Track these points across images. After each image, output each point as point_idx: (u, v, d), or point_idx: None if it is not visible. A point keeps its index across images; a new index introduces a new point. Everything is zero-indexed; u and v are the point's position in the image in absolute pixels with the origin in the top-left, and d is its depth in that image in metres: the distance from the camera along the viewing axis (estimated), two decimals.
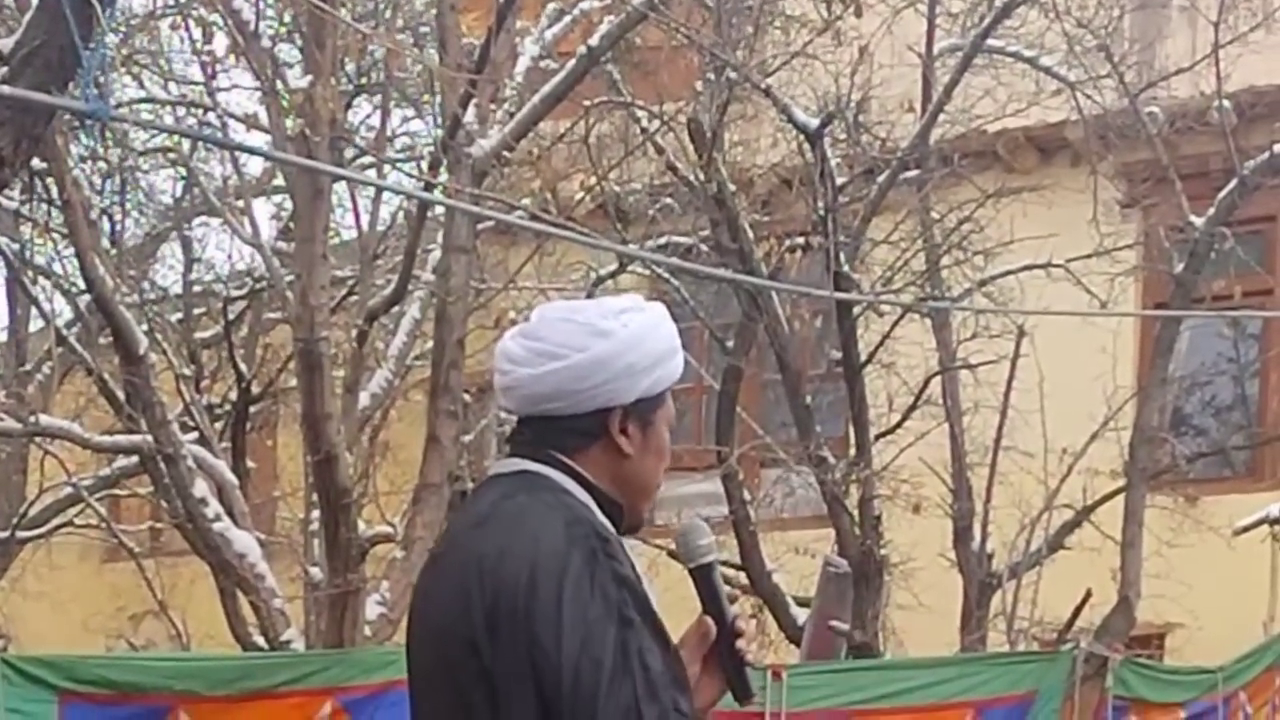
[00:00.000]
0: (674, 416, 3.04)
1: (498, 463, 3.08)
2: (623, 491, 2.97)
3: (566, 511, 2.85)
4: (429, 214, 10.99)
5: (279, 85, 10.60)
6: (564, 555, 2.77)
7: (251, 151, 13.09)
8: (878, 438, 11.30)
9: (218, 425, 12.70)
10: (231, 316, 13.37)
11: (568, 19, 11.43)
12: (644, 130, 12.05)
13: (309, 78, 9.57)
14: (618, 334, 2.94)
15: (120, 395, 10.97)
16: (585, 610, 2.74)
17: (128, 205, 13.32)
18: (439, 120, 11.10)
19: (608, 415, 2.93)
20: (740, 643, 2.96)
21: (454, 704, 2.84)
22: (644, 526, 3.09)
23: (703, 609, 2.98)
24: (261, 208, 14.48)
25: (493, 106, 10.69)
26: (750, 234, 10.96)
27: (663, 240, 12.40)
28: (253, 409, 13.16)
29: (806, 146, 10.78)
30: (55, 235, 12.37)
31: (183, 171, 13.78)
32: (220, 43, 11.57)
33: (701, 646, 2.95)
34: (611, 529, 2.90)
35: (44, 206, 12.17)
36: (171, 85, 13.02)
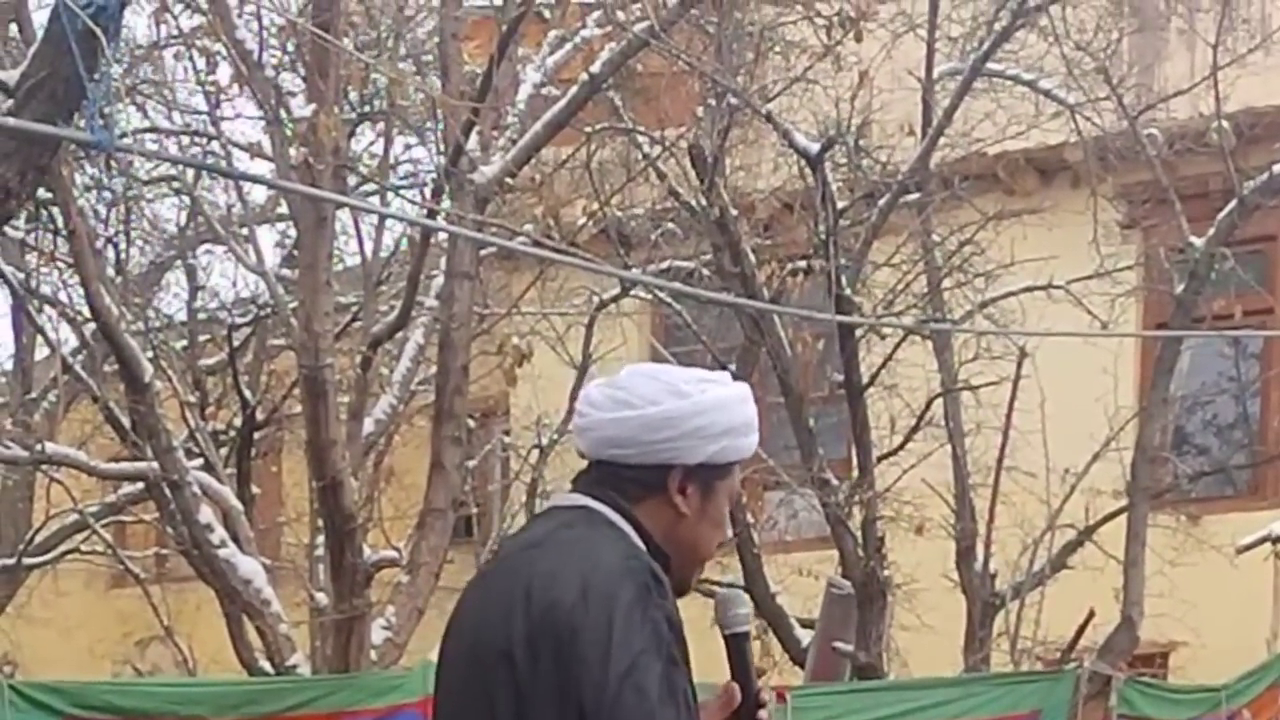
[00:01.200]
0: (738, 493, 3.23)
1: (558, 495, 3.20)
2: (674, 550, 3.08)
3: (627, 545, 2.98)
4: (432, 240, 11.03)
5: (282, 114, 10.66)
6: (618, 583, 2.87)
7: (255, 180, 13.17)
8: (880, 459, 11.32)
9: (223, 451, 12.72)
10: (236, 343, 13.41)
11: (569, 46, 11.49)
12: (646, 156, 12.11)
13: (312, 106, 9.62)
14: (694, 397, 3.08)
15: (126, 422, 11.01)
16: (634, 638, 2.82)
17: (132, 234, 13.37)
18: (442, 147, 11.14)
19: (670, 472, 3.06)
20: (762, 714, 3.06)
21: (482, 718, 2.91)
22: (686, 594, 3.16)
23: (731, 675, 3.09)
24: (265, 235, 14.53)
25: (495, 133, 10.75)
26: (752, 258, 11.00)
27: (665, 265, 12.45)
28: (257, 435, 13.19)
29: (808, 171, 10.83)
30: (61, 264, 12.41)
31: (187, 200, 13.83)
32: (224, 72, 11.66)
33: (724, 711, 3.06)
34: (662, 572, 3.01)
35: (49, 236, 12.22)
36: (176, 115, 13.07)
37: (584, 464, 3.17)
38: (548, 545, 2.98)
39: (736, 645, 3.11)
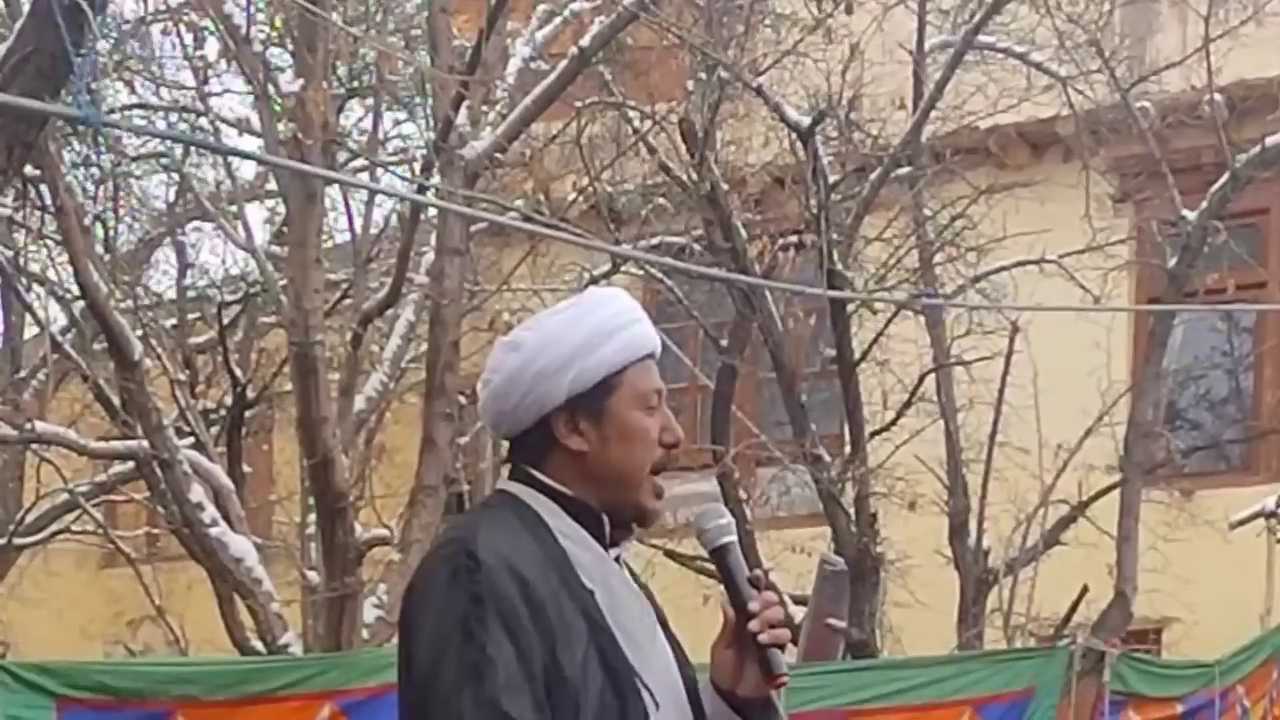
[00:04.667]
0: (647, 393, 2.94)
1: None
2: (598, 489, 2.93)
3: (451, 531, 2.97)
4: (422, 216, 11.00)
5: (270, 89, 10.61)
6: (430, 574, 2.85)
7: (244, 156, 13.09)
8: (873, 435, 11.30)
9: (213, 430, 12.69)
10: (226, 321, 13.37)
11: (558, 20, 11.43)
12: (636, 130, 12.06)
13: (300, 81, 9.58)
14: (526, 344, 2.94)
15: (116, 401, 10.97)
16: (430, 626, 2.79)
17: (121, 211, 13.34)
18: (431, 123, 11.11)
19: (549, 422, 2.92)
20: (752, 624, 2.87)
21: None
22: (653, 515, 2.99)
23: (727, 594, 2.94)
24: (255, 212, 14.50)
25: (485, 108, 10.69)
26: (743, 233, 10.97)
27: (656, 240, 12.42)
28: (248, 413, 13.16)
29: (799, 145, 10.79)
30: (49, 241, 12.38)
31: (175, 177, 13.79)
32: (212, 48, 11.60)
33: (727, 635, 2.92)
34: (577, 526, 2.91)
35: (37, 213, 12.18)
36: (163, 90, 13.03)
37: None
38: None
39: (719, 559, 2.93)
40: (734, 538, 2.96)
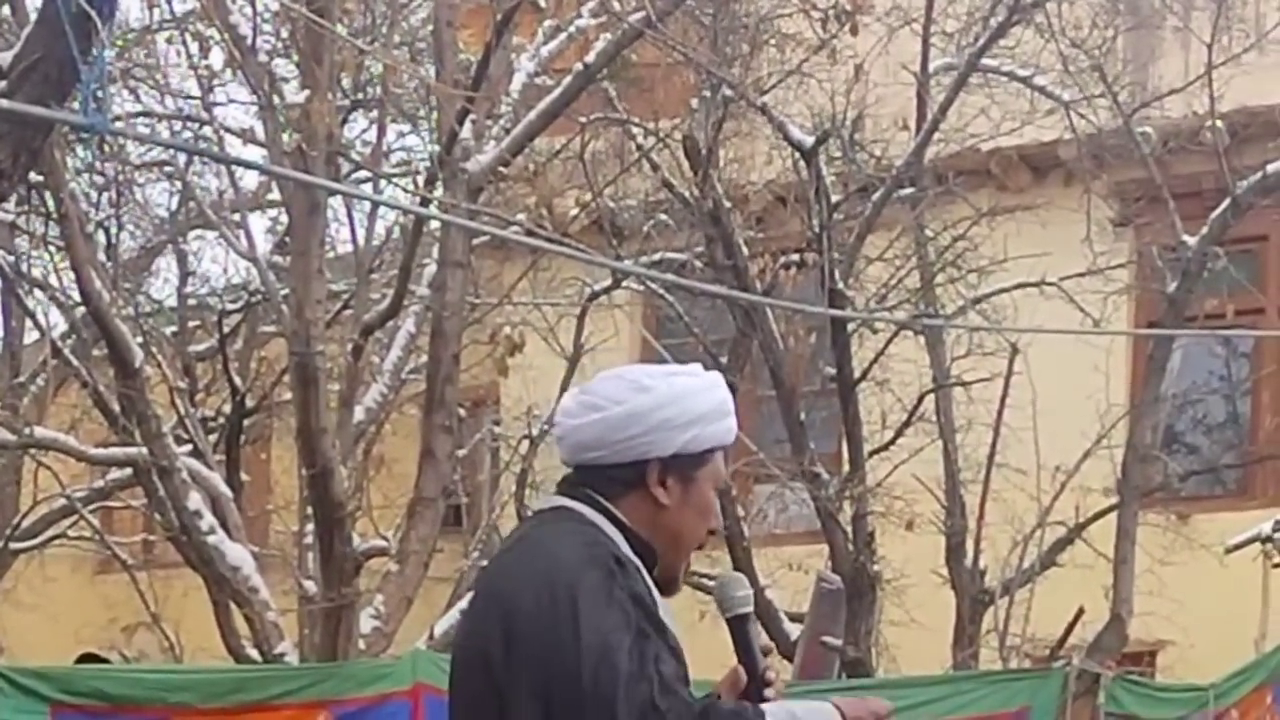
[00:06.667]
0: (723, 479, 3.20)
1: (542, 499, 3.24)
2: (659, 541, 3.12)
3: (587, 535, 3.04)
4: (424, 229, 11.01)
5: (275, 100, 10.62)
6: (579, 572, 2.94)
7: (247, 165, 13.12)
8: (871, 454, 11.32)
9: (212, 438, 12.69)
10: (226, 330, 13.38)
11: (564, 36, 11.45)
12: (639, 147, 12.08)
13: (305, 92, 9.60)
14: (657, 390, 3.12)
15: (115, 408, 10.97)
16: (600, 620, 2.89)
17: (124, 218, 13.34)
18: (435, 136, 11.13)
19: (646, 466, 3.11)
20: (769, 692, 3.08)
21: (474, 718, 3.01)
22: (677, 587, 3.21)
23: (737, 658, 3.13)
24: (257, 222, 14.50)
25: (489, 122, 10.71)
26: (745, 250, 11.00)
27: (657, 256, 12.43)
28: (247, 422, 13.16)
29: (802, 164, 10.82)
30: (51, 248, 12.38)
31: (179, 185, 13.80)
32: (217, 57, 11.62)
33: (732, 693, 3.10)
34: (637, 560, 3.06)
35: (40, 219, 12.19)
36: (168, 99, 13.03)
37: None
38: (517, 548, 3.10)
39: (739, 627, 3.13)
40: (752, 608, 3.17)
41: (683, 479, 3.13)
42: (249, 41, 10.62)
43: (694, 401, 3.13)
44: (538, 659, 2.91)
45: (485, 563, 3.43)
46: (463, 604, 9.82)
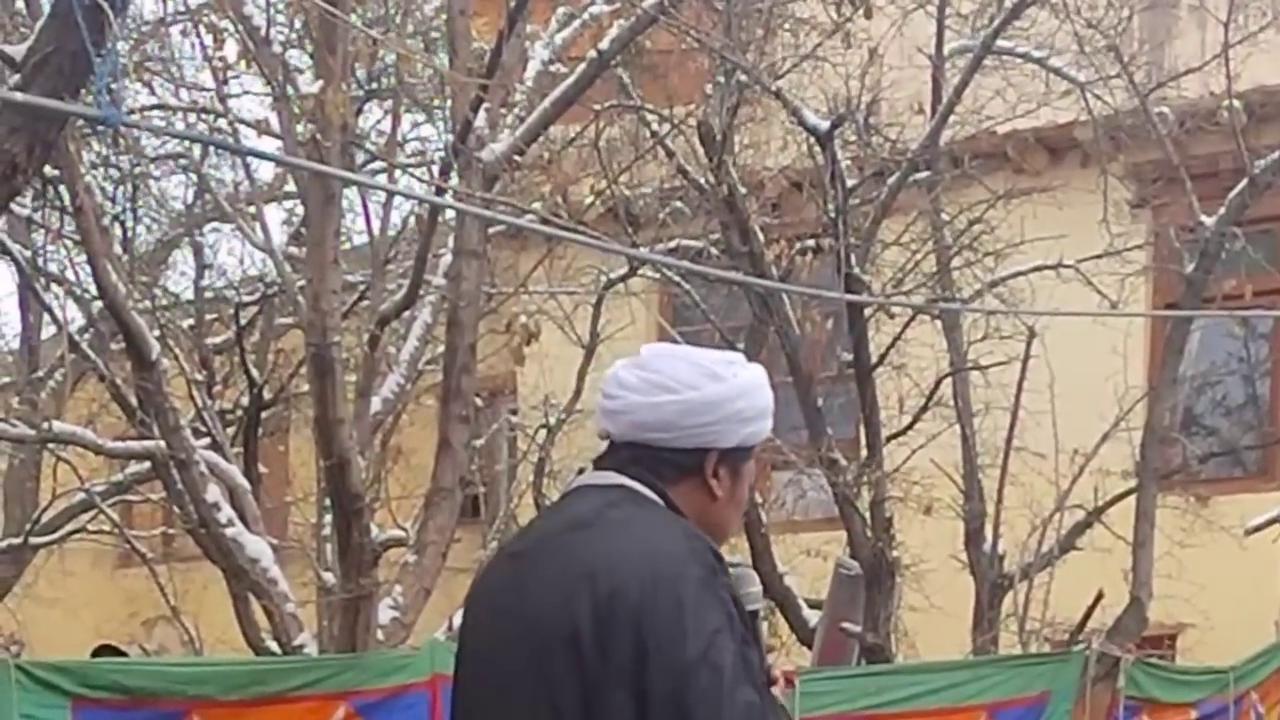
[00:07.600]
0: (753, 474, 3.20)
1: (589, 474, 3.16)
2: (704, 531, 3.08)
3: (684, 526, 3.00)
4: (440, 218, 10.99)
5: (290, 91, 10.61)
6: (684, 564, 2.89)
7: (263, 157, 13.09)
8: (889, 439, 11.30)
9: (230, 430, 12.70)
10: (243, 322, 13.39)
11: (577, 23, 11.43)
12: (654, 134, 12.06)
13: (320, 83, 9.56)
14: (731, 381, 3.10)
15: (133, 401, 10.98)
16: (706, 618, 2.85)
17: (139, 211, 13.34)
18: (450, 125, 11.10)
19: (705, 455, 3.08)
20: (774, 689, 3.09)
21: (540, 704, 2.89)
22: None
23: None
24: (273, 213, 14.52)
25: (503, 111, 10.69)
26: (761, 237, 10.97)
27: (673, 243, 12.41)
28: (265, 414, 13.17)
29: (817, 149, 10.79)
30: (67, 242, 12.39)
31: (194, 177, 13.80)
32: (231, 49, 11.57)
33: None
34: None
35: (56, 213, 12.19)
36: (183, 91, 13.02)
37: (596, 444, 3.14)
38: (600, 526, 2.97)
39: (750, 624, 3.10)
40: (761, 605, 3.18)
41: (732, 472, 3.12)
42: (263, 33, 10.60)
43: (761, 395, 3.13)
44: (638, 647, 2.82)
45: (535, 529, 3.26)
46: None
